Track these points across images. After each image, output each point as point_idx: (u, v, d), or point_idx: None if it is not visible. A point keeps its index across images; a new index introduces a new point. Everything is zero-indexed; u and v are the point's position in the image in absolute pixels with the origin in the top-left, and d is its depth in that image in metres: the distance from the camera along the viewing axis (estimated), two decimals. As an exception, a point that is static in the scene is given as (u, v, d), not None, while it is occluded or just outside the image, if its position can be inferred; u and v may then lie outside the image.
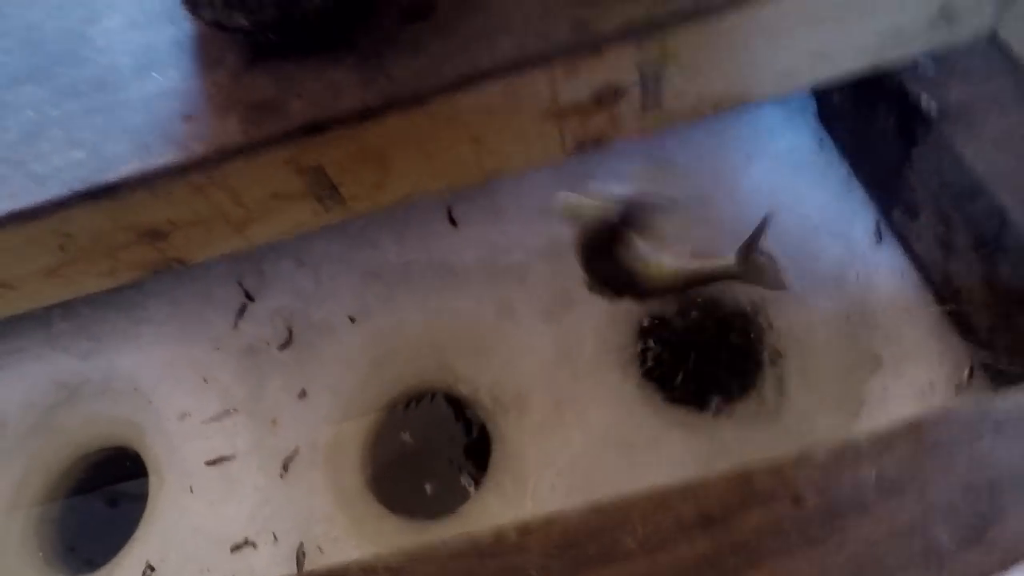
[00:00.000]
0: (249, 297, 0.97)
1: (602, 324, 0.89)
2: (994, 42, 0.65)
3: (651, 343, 0.88)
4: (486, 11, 0.58)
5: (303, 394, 0.91)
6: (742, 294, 0.89)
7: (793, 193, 0.89)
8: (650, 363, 0.87)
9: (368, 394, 0.92)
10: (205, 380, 0.94)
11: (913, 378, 0.76)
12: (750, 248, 0.54)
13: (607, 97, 0.60)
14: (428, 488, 0.85)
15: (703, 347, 0.87)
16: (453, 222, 0.94)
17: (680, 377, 0.85)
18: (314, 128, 0.56)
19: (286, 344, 0.96)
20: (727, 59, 0.59)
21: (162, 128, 0.59)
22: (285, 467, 0.86)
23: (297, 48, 0.61)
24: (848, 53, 0.62)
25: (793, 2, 0.55)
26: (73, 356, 0.97)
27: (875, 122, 0.73)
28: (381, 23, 0.61)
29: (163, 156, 0.57)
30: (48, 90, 0.67)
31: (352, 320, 0.96)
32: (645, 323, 0.89)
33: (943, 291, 0.72)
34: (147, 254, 0.67)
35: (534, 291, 0.93)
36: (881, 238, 0.80)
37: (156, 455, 0.91)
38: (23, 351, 0.97)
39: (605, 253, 0.52)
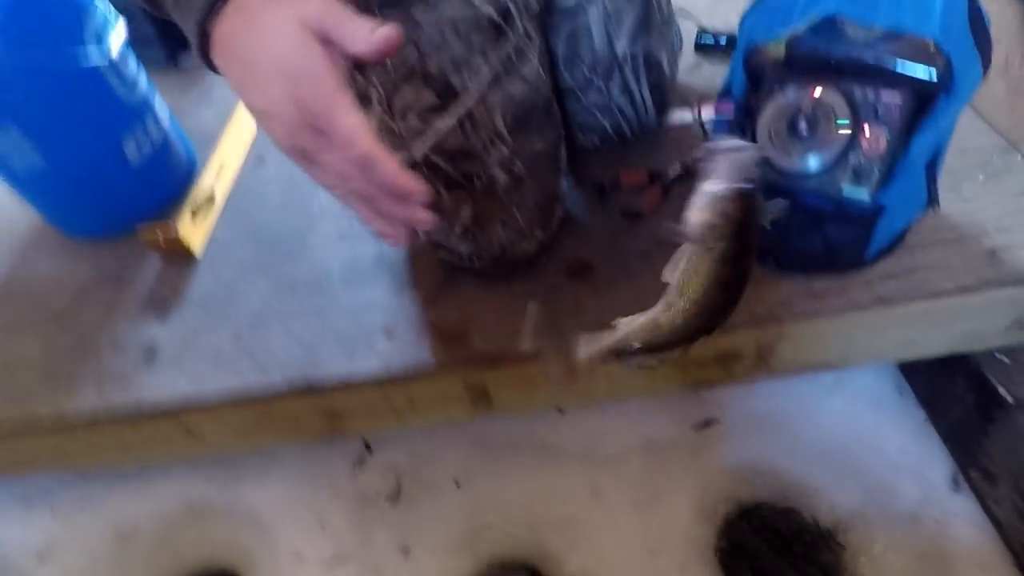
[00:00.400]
0: (368, 449, 1.09)
1: (688, 523, 0.97)
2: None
3: (733, 553, 0.94)
4: (637, 279, 0.73)
5: (406, 551, 1.00)
6: (822, 512, 0.95)
7: (872, 428, 0.98)
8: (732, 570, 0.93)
9: (463, 558, 1.01)
10: (321, 525, 1.04)
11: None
12: None
13: (726, 358, 0.73)
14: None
15: (782, 560, 0.93)
16: (560, 409, 1.05)
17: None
18: (492, 361, 0.71)
19: (395, 498, 1.06)
20: (830, 342, 0.72)
21: (366, 339, 0.75)
22: (384, 622, 0.93)
23: (486, 276, 0.76)
24: (932, 344, 0.74)
25: (890, 313, 0.68)
26: (207, 481, 1.09)
27: (953, 389, 0.83)
28: (547, 273, 0.77)
29: (367, 367, 0.72)
30: (272, 284, 0.84)
31: (457, 484, 1.06)
32: (726, 540, 0.96)
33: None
34: (320, 426, 0.80)
35: (626, 481, 1.02)
36: (959, 487, 0.88)
37: (261, 584, 0.99)
38: (166, 470, 1.10)
39: None
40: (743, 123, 0.65)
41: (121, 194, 0.94)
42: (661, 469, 1.02)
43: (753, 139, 0.65)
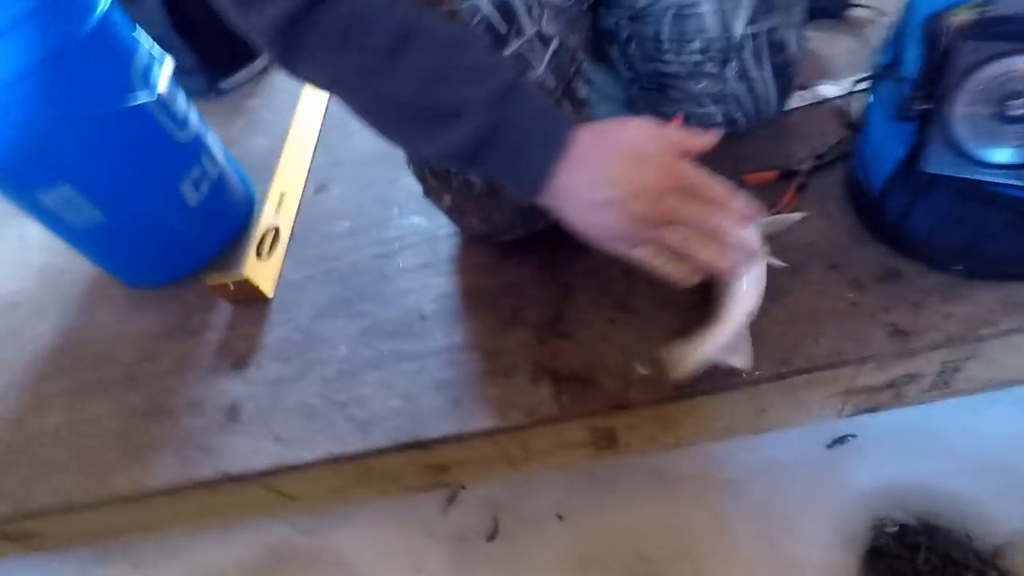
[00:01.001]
0: (461, 484, 1.00)
1: (826, 552, 0.86)
2: None
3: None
4: (801, 320, 0.62)
5: (511, 594, 0.91)
6: (983, 534, 0.84)
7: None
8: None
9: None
10: (416, 568, 0.97)
11: None
12: None
13: (901, 381, 0.62)
14: None
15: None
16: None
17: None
18: (622, 405, 0.61)
19: (493, 536, 0.98)
20: (1027, 356, 0.60)
21: (474, 386, 0.66)
22: None
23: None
24: None
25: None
26: (291, 526, 1.03)
27: None
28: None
29: (480, 420, 0.63)
30: (356, 326, 0.76)
31: (560, 517, 0.97)
32: (873, 569, 0.85)
33: None
34: (424, 480, 0.72)
35: (751, 507, 0.92)
36: None
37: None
38: (250, 520, 1.04)
39: None
40: (923, 107, 0.54)
41: (182, 237, 0.86)
42: (791, 493, 0.91)
43: (936, 126, 0.53)
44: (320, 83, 0.47)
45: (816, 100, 0.81)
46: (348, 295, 0.80)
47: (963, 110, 0.52)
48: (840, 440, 0.90)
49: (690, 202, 0.47)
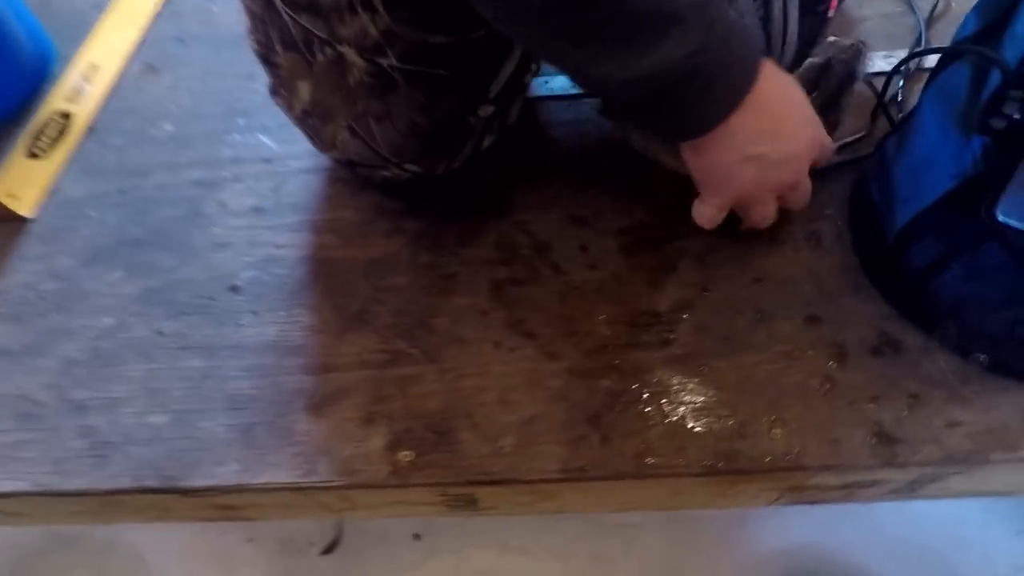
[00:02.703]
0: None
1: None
2: None
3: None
4: (756, 394, 0.43)
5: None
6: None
7: (976, 532, 0.74)
8: None
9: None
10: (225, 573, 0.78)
11: None
12: None
13: (861, 484, 0.45)
14: None
15: None
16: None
17: None
18: (486, 482, 0.42)
19: (331, 548, 0.80)
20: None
21: (279, 413, 0.45)
22: None
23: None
24: None
25: None
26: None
27: None
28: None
29: (274, 469, 0.42)
30: (137, 287, 0.52)
31: (417, 537, 0.80)
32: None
33: None
34: (208, 514, 0.51)
35: (646, 556, 0.77)
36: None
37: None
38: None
39: None
40: (1020, 117, 0.34)
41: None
42: (696, 544, 0.77)
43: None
44: None
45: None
46: (140, 235, 0.56)
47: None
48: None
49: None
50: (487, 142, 0.51)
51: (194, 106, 0.66)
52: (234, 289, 0.52)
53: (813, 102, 0.47)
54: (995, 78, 0.36)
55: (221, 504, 0.47)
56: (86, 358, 0.49)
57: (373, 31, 0.42)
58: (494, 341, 0.47)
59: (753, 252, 0.50)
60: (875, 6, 0.65)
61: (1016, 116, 0.34)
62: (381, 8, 0.41)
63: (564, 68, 0.38)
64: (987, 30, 0.40)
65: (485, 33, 0.45)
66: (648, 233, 0.52)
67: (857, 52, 0.52)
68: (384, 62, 0.43)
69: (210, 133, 0.63)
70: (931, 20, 0.63)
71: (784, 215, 0.50)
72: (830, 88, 0.51)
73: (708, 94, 0.37)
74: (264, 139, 0.62)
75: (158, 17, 0.76)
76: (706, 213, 0.46)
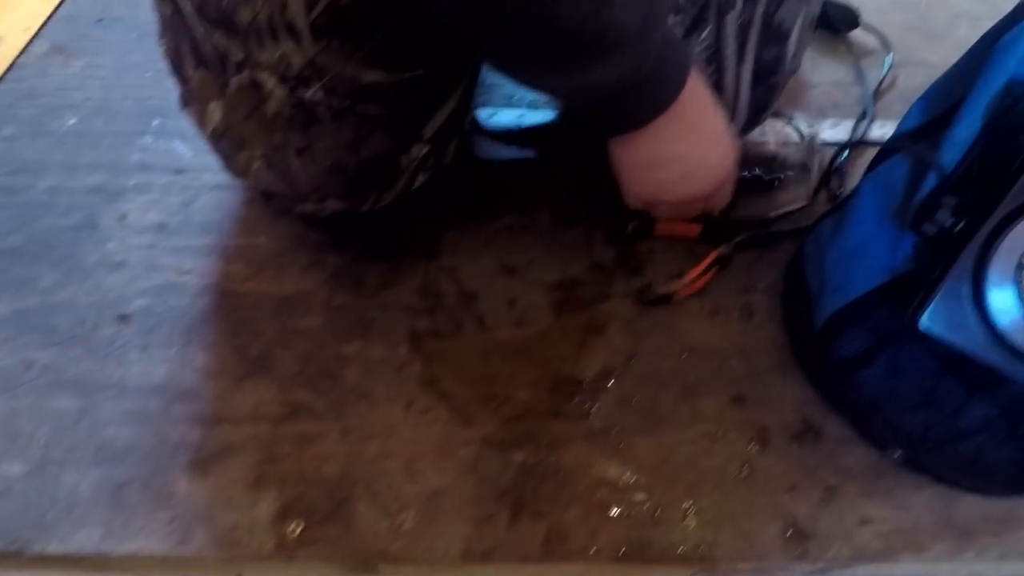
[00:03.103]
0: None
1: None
2: None
3: None
4: (671, 479, 0.42)
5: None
6: None
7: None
8: None
9: None
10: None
11: None
12: None
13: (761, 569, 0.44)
14: None
15: None
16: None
17: None
18: (380, 560, 0.38)
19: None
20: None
21: (156, 469, 0.40)
22: None
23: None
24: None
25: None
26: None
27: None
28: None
29: (144, 536, 0.38)
30: (10, 307, 0.46)
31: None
32: None
33: None
34: None
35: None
36: None
37: None
38: None
39: None
40: (951, 223, 0.33)
41: None
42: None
43: (961, 264, 0.33)
44: None
45: (779, 140, 0.59)
46: (22, 244, 0.50)
47: (1010, 261, 0.32)
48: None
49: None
50: (419, 180, 0.48)
51: (104, 99, 0.60)
52: (123, 318, 0.46)
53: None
54: (932, 179, 0.36)
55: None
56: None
57: (297, 60, 0.38)
58: (406, 400, 0.43)
59: (684, 321, 0.48)
60: (825, 73, 0.65)
61: (948, 223, 0.34)
62: (307, 35, 0.37)
63: (514, 79, 0.40)
64: (930, 125, 0.39)
65: (424, 72, 0.41)
66: (580, 291, 0.50)
67: (802, 167, 0.54)
68: (308, 94, 0.39)
69: (119, 133, 0.57)
70: (878, 92, 0.63)
71: (721, 286, 0.49)
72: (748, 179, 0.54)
73: (639, 102, 0.41)
74: (179, 146, 0.56)
75: (77, -11, 0.70)
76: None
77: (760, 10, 0.43)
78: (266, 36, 0.37)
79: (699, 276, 0.49)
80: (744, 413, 0.45)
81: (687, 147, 0.45)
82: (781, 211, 0.53)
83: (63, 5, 0.68)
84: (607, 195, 0.49)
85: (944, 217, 0.34)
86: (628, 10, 0.33)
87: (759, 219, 0.53)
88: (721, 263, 0.50)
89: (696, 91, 0.43)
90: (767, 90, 0.48)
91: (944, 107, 0.36)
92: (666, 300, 0.48)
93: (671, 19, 0.44)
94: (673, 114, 0.42)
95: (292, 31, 0.37)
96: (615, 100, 0.40)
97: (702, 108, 0.44)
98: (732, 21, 0.43)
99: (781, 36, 0.45)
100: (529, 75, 0.39)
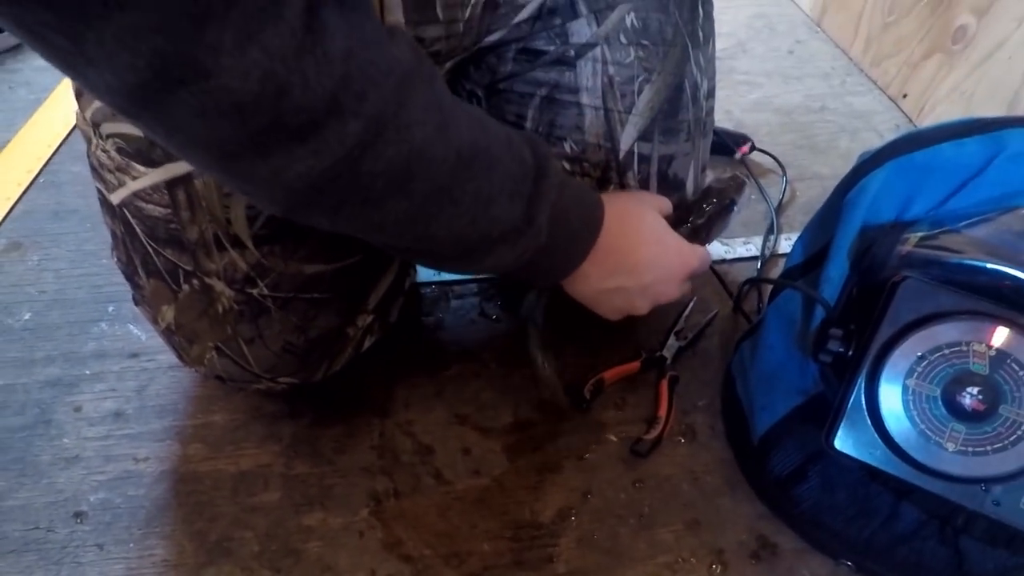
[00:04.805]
0: None
1: None
2: None
3: None
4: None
5: None
6: None
7: None
8: None
9: None
10: None
11: None
12: None
13: None
14: None
15: None
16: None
17: None
18: None
19: None
20: None
21: None
22: None
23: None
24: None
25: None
26: None
27: None
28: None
29: None
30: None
31: None
32: None
33: None
34: None
35: None
36: None
37: None
38: None
39: None
40: (840, 352, 0.37)
41: None
42: None
43: (855, 390, 0.37)
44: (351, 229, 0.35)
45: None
46: (17, 398, 0.50)
47: (897, 380, 0.35)
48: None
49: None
50: (367, 344, 0.51)
51: (60, 291, 0.62)
52: (78, 515, 0.46)
53: (691, 223, 0.51)
54: (820, 312, 0.40)
55: None
56: None
57: (243, 265, 0.42)
58: (368, 570, 0.44)
59: (633, 451, 0.50)
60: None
61: (839, 350, 0.38)
62: (250, 245, 0.41)
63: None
64: (809, 262, 0.44)
65: (362, 256, 0.45)
66: (531, 431, 0.52)
67: (740, 184, 0.55)
68: (255, 291, 0.43)
69: (74, 323, 0.59)
70: (780, 207, 0.71)
71: (664, 410, 0.52)
72: (707, 214, 0.52)
73: (557, 259, 0.42)
74: (133, 329, 0.58)
75: (33, 186, 0.73)
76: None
77: (654, 168, 0.49)
78: (213, 249, 0.41)
79: (665, 406, 0.52)
80: (700, 537, 0.46)
81: (624, 278, 0.44)
82: (695, 330, 0.57)
83: (20, 202, 0.72)
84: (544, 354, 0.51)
85: (835, 345, 0.38)
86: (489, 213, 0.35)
87: (678, 332, 0.56)
88: (673, 381, 0.53)
89: (618, 223, 0.43)
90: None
91: (817, 247, 0.42)
92: (657, 445, 0.50)
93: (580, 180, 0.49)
94: (597, 254, 0.42)
95: (237, 242, 0.41)
96: (532, 267, 0.40)
97: (630, 237, 0.44)
98: (632, 179, 0.49)
99: (678, 184, 0.52)
100: (444, 269, 0.43)
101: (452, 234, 0.35)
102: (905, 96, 0.86)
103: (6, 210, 0.69)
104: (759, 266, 0.64)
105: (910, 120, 0.85)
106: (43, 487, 0.48)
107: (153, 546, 0.45)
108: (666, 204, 0.49)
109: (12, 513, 0.47)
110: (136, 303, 0.47)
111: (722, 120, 0.83)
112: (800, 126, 0.84)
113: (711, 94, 0.53)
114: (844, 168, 0.49)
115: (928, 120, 0.84)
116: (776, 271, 0.63)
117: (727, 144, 0.76)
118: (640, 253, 0.45)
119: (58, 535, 0.45)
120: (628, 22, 0.46)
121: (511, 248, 0.37)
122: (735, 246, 0.66)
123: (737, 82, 0.92)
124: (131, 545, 0.45)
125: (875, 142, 0.79)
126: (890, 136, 0.77)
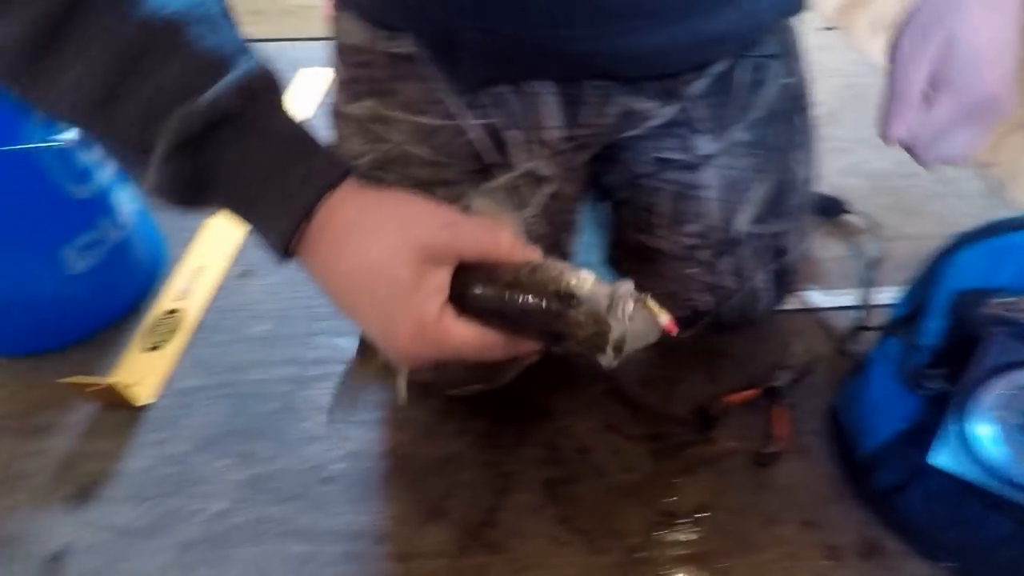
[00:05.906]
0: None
1: None
2: None
3: None
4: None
5: None
6: None
7: None
8: None
9: None
10: None
11: None
12: None
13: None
14: None
15: None
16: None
17: None
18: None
19: None
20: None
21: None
22: None
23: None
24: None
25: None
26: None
27: None
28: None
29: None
30: (245, 474, 0.62)
31: None
32: None
33: None
34: None
35: None
36: None
37: None
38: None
39: None
40: (939, 387, 0.48)
41: (54, 306, 0.70)
42: None
43: (952, 417, 0.47)
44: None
45: (801, 307, 0.76)
46: (243, 425, 0.66)
47: (987, 411, 0.46)
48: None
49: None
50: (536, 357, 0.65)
51: (283, 310, 0.79)
52: (326, 481, 0.61)
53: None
54: (921, 355, 0.51)
55: None
56: (199, 540, 0.57)
57: None
58: (550, 536, 0.57)
59: (756, 462, 0.62)
60: (830, 249, 0.83)
61: (939, 388, 0.48)
62: None
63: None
64: (910, 316, 0.55)
65: None
66: (669, 441, 0.64)
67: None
68: None
69: (298, 334, 0.76)
70: (875, 262, 0.81)
71: (782, 430, 0.63)
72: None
73: (278, 187, 0.36)
74: (342, 342, 0.74)
75: (249, 224, 0.92)
76: None
77: (764, 243, 0.62)
78: None
79: (783, 428, 0.63)
80: (815, 535, 0.57)
81: (349, 310, 0.38)
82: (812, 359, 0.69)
83: (244, 236, 0.90)
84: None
85: (937, 384, 0.49)
86: None
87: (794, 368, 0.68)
88: (791, 408, 0.65)
89: (335, 246, 0.36)
90: (784, 286, 0.66)
91: (917, 302, 0.53)
92: (776, 458, 0.62)
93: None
94: (310, 249, 0.37)
95: None
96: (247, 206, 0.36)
97: (346, 262, 0.36)
98: (747, 252, 0.62)
99: (785, 252, 0.64)
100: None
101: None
102: (991, 165, 0.95)
103: (240, 242, 0.88)
104: (863, 315, 0.74)
105: (995, 188, 0.94)
106: (297, 457, 0.64)
107: (386, 506, 0.59)
108: (473, 241, 0.38)
109: (277, 475, 0.62)
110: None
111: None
112: (890, 190, 0.94)
113: (811, 181, 0.66)
114: (933, 229, 0.59)
115: (1012, 189, 0.92)
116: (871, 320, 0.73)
117: (826, 207, 0.88)
118: (342, 299, 0.37)
119: (316, 492, 0.61)
120: (742, 137, 0.60)
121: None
122: (837, 296, 0.77)
123: (830, 149, 1.03)
124: (369, 503, 0.60)
125: (962, 207, 0.89)
126: (976, 201, 0.87)
